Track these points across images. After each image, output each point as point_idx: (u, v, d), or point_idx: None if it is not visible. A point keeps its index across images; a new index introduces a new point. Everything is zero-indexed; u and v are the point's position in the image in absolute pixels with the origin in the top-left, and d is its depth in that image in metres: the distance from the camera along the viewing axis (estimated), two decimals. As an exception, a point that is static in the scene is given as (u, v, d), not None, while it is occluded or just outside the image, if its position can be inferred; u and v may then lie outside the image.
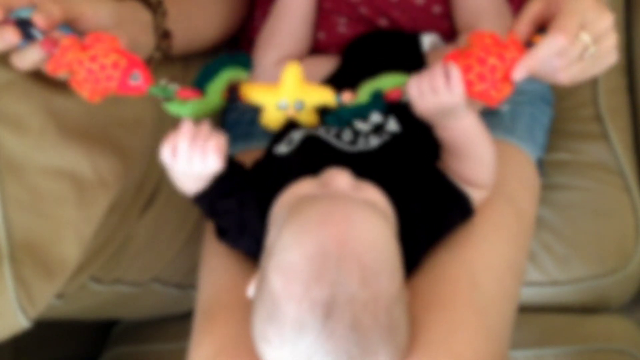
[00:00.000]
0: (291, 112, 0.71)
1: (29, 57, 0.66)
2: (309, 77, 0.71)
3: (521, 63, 0.66)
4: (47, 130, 0.69)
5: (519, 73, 0.66)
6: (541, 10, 0.68)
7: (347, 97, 0.72)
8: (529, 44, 0.67)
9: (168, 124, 0.91)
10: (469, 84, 0.67)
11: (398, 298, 0.64)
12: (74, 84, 0.67)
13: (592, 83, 1.14)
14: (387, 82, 0.71)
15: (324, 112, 0.73)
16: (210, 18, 0.90)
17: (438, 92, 0.67)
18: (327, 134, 0.78)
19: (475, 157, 0.74)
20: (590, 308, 1.10)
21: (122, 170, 0.76)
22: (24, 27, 0.65)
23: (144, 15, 0.77)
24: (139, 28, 0.75)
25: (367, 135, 0.78)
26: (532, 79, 0.87)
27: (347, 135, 0.78)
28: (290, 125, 0.82)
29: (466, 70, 0.67)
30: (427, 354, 0.68)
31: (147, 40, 0.78)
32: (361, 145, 0.77)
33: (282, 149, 0.79)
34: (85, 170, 0.72)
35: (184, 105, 0.70)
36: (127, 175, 0.78)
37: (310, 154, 0.77)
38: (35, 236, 0.68)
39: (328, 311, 0.60)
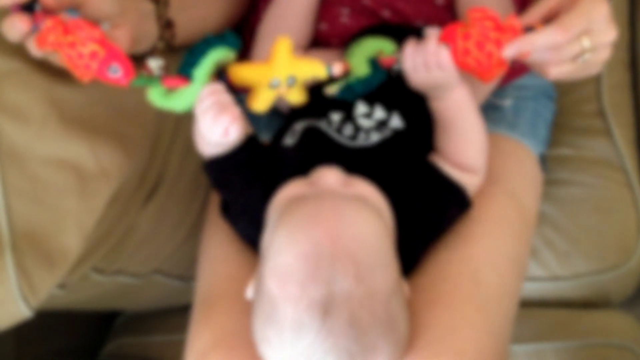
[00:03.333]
0: (283, 90, 0.70)
1: (17, 26, 0.64)
2: None
3: (513, 42, 0.67)
4: (48, 120, 0.69)
5: (509, 51, 0.67)
6: (556, 6, 0.68)
7: (338, 68, 0.72)
8: (530, 30, 0.68)
9: (170, 115, 0.92)
10: (465, 66, 0.70)
11: (394, 292, 0.64)
12: (63, 62, 0.66)
13: (596, 79, 1.14)
14: (371, 46, 0.73)
15: (317, 91, 0.73)
16: (213, 8, 0.90)
17: (430, 69, 0.70)
18: (329, 127, 0.78)
19: (465, 130, 0.75)
20: (590, 303, 1.10)
21: (124, 161, 0.76)
22: (31, 8, 0.64)
23: (146, 5, 0.77)
24: (142, 17, 0.75)
25: (368, 131, 0.78)
26: (534, 74, 0.86)
27: (348, 129, 0.78)
28: (294, 115, 0.82)
29: (464, 53, 0.69)
30: (429, 351, 0.68)
31: (150, 30, 0.78)
32: (361, 140, 0.77)
33: (288, 140, 0.80)
34: (87, 160, 0.72)
35: (170, 99, 0.68)
36: (128, 166, 0.78)
37: (311, 147, 0.77)
38: (36, 226, 0.69)
39: (325, 310, 0.61)
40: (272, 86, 0.69)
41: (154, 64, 0.68)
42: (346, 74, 0.74)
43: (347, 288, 0.61)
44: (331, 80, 0.73)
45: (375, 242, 0.65)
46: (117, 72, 0.66)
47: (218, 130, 0.68)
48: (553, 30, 0.66)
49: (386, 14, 0.88)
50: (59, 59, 0.67)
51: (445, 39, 0.70)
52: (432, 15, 0.87)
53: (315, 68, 0.70)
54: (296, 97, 0.72)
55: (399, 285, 0.66)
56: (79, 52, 0.65)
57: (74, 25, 0.65)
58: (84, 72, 0.66)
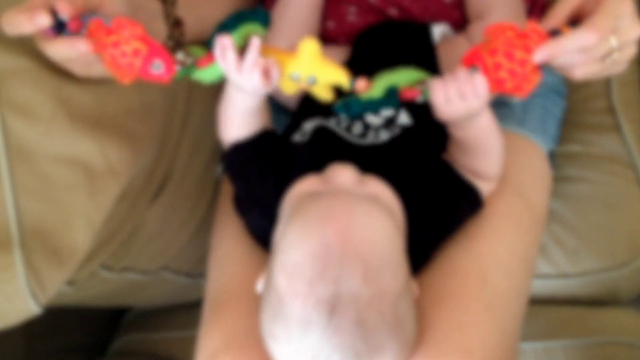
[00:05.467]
0: (303, 85, 0.69)
1: (61, 49, 0.65)
2: None
3: (544, 46, 0.64)
4: (57, 117, 0.70)
5: (540, 55, 0.64)
6: (579, 6, 0.67)
7: (361, 85, 0.69)
8: (555, 33, 0.66)
9: (178, 112, 0.92)
10: (500, 82, 0.66)
11: (403, 293, 0.64)
12: (105, 64, 0.67)
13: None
14: (404, 77, 0.70)
15: (339, 94, 0.71)
16: (220, 6, 0.90)
17: (466, 98, 0.66)
18: (338, 126, 0.78)
19: (487, 152, 0.74)
20: (599, 301, 1.09)
21: (132, 159, 0.76)
22: (60, 27, 0.64)
23: (155, 4, 0.77)
24: (151, 17, 0.76)
25: (377, 129, 0.78)
26: (546, 70, 0.86)
27: (357, 128, 0.78)
28: (302, 114, 0.82)
29: (496, 68, 0.65)
30: (436, 350, 0.68)
31: (159, 29, 0.78)
32: (371, 138, 0.77)
33: (298, 139, 0.80)
34: (95, 158, 0.72)
35: (204, 72, 0.68)
36: (136, 164, 0.78)
37: (321, 146, 0.77)
38: (45, 223, 0.69)
39: (332, 308, 0.60)
40: (292, 78, 0.69)
41: (180, 56, 0.68)
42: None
43: (354, 288, 0.61)
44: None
45: (386, 243, 0.64)
46: (159, 69, 0.66)
47: (256, 76, 0.66)
48: (586, 31, 0.64)
49: (393, 12, 0.88)
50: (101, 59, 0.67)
51: (471, 62, 0.66)
52: (440, 13, 0.87)
53: (337, 76, 0.69)
54: (322, 93, 0.71)
55: (408, 286, 0.66)
56: (122, 51, 0.65)
57: (117, 24, 0.65)
58: (126, 72, 0.66)
